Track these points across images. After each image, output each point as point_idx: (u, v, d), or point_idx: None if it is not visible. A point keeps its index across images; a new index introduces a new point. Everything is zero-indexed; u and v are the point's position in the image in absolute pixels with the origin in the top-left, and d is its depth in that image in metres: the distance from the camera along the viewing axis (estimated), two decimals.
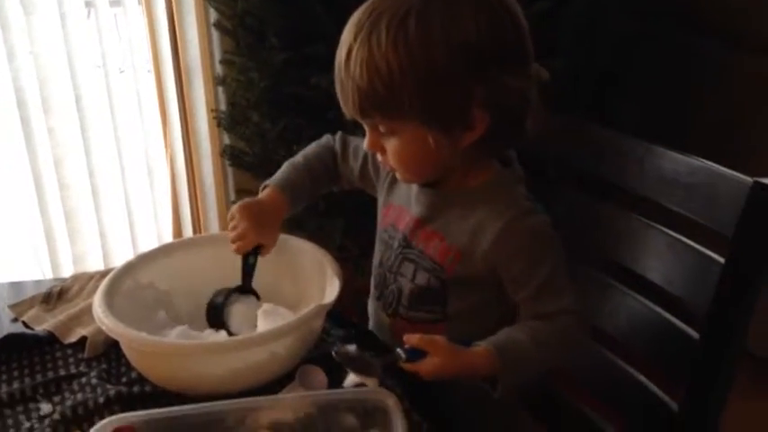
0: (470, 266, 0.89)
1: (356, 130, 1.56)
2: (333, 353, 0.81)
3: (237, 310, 0.94)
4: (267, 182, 1.02)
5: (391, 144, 0.86)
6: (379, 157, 0.91)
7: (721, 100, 1.84)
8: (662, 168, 0.93)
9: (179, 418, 0.75)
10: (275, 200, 1.00)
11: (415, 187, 0.95)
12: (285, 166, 1.04)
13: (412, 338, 0.81)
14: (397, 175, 0.93)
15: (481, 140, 0.85)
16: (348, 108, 0.85)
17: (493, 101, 0.82)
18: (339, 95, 0.86)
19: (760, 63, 1.72)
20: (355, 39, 0.81)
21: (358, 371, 0.81)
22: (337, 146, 1.06)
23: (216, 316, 0.95)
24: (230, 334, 0.93)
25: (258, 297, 0.98)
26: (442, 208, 0.92)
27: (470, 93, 0.81)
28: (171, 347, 0.85)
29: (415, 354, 0.81)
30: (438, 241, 0.92)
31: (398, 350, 0.81)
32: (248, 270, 0.98)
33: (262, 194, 1.01)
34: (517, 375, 0.84)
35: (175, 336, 0.90)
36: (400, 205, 0.98)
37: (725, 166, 0.86)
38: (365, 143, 0.89)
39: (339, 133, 1.08)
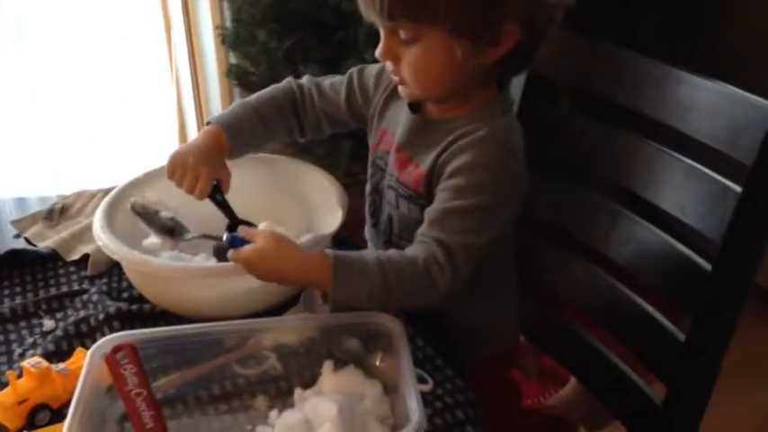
0: (431, 187, 0.86)
1: (366, 50, 1.53)
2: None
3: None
4: (210, 119, 0.97)
5: (411, 52, 0.82)
6: (388, 66, 0.86)
7: (750, 25, 1.76)
8: (681, 93, 0.89)
9: (179, 337, 0.75)
10: (212, 137, 0.94)
11: (403, 113, 0.91)
12: (233, 106, 0.99)
13: (242, 230, 0.81)
14: (402, 91, 0.88)
15: (501, 60, 0.82)
16: (372, 9, 0.80)
17: (527, 15, 0.79)
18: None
19: None
20: None
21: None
22: (305, 93, 0.99)
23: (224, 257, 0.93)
24: None
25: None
26: (424, 135, 0.89)
27: (506, 5, 0.78)
28: (158, 268, 0.83)
29: (238, 242, 0.79)
30: (413, 168, 0.88)
31: (226, 234, 0.81)
32: (223, 208, 0.92)
33: (199, 134, 0.96)
34: (350, 292, 0.78)
35: (166, 258, 0.88)
36: (392, 130, 0.94)
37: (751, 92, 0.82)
38: (378, 51, 0.83)
39: (306, 77, 1.01)
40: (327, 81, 1.00)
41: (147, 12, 2.06)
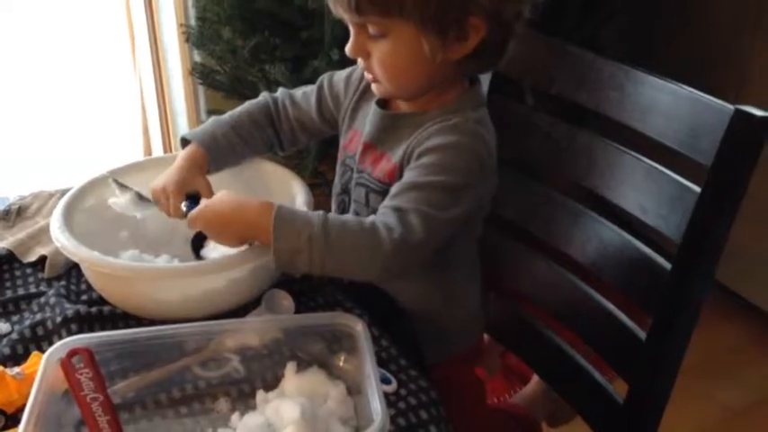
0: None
1: (332, 48, 1.53)
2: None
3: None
4: (185, 134, 0.97)
5: (380, 48, 0.82)
6: (360, 63, 0.86)
7: (708, 27, 1.80)
8: (642, 94, 0.91)
9: (138, 340, 0.73)
10: (188, 154, 0.94)
11: (371, 111, 0.92)
12: (208, 122, 0.99)
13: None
14: (376, 88, 0.88)
15: (469, 56, 0.82)
16: (341, 4, 0.80)
17: (493, 10, 0.80)
18: None
19: None
20: None
21: None
22: (280, 105, 1.00)
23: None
24: None
25: None
26: (393, 130, 0.89)
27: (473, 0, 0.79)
28: (117, 269, 0.82)
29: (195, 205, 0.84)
30: (385, 162, 0.89)
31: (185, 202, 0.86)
32: None
33: (180, 153, 0.95)
34: (291, 242, 0.76)
35: (126, 258, 0.87)
36: (362, 131, 0.94)
37: (711, 95, 0.83)
38: (348, 48, 0.84)
39: (280, 91, 1.02)
40: (299, 91, 1.01)
41: (109, 9, 2.02)
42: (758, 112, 0.79)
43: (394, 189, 0.82)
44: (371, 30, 0.81)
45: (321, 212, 0.79)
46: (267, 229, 0.77)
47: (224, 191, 0.84)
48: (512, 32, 0.85)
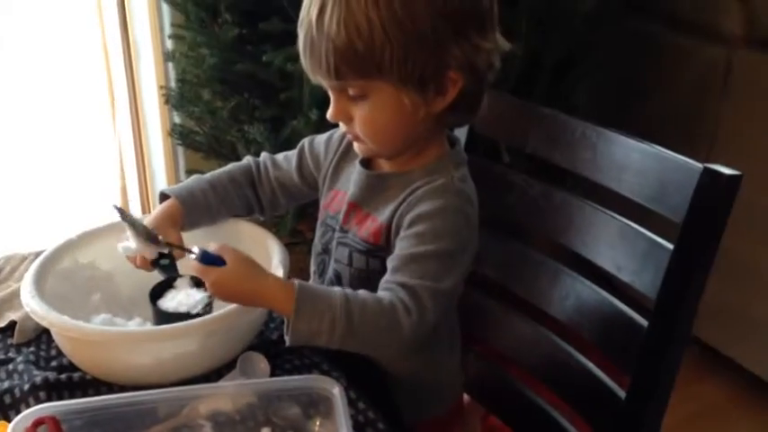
0: (391, 238, 0.87)
1: (311, 109, 1.55)
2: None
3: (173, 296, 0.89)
4: (164, 189, 0.97)
5: (362, 109, 0.83)
6: (342, 127, 0.87)
7: (679, 87, 1.85)
8: (614, 153, 0.92)
9: (107, 408, 0.71)
10: (163, 208, 0.94)
11: (355, 171, 0.92)
12: (190, 179, 1.00)
13: (211, 244, 0.80)
14: (358, 149, 0.89)
15: (448, 109, 0.84)
16: (319, 70, 0.81)
17: (468, 62, 0.81)
18: (307, 57, 0.81)
19: (716, 53, 1.73)
20: None
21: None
22: (261, 167, 1.01)
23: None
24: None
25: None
26: (379, 191, 0.90)
27: (448, 52, 0.80)
28: (86, 333, 0.80)
29: (210, 258, 0.79)
30: (371, 222, 0.89)
31: (196, 248, 0.80)
32: (167, 271, 0.90)
33: (157, 207, 0.96)
34: (313, 324, 0.77)
35: (98, 322, 0.86)
36: (345, 191, 0.95)
37: (682, 154, 0.84)
38: (329, 113, 0.84)
39: (263, 154, 1.03)
40: (281, 155, 1.02)
41: (90, 71, 2.04)
42: (726, 171, 0.81)
43: (395, 262, 0.83)
44: (352, 92, 0.82)
45: (341, 292, 0.79)
46: (287, 309, 0.77)
47: (237, 252, 0.81)
48: (486, 83, 0.87)
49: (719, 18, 1.71)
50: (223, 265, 0.78)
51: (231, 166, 1.02)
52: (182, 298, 0.86)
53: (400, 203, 0.86)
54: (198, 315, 0.84)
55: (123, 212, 0.84)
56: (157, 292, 0.89)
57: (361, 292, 0.80)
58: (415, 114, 0.82)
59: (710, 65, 1.75)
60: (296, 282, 0.79)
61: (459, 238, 0.83)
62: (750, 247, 1.70)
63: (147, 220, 0.93)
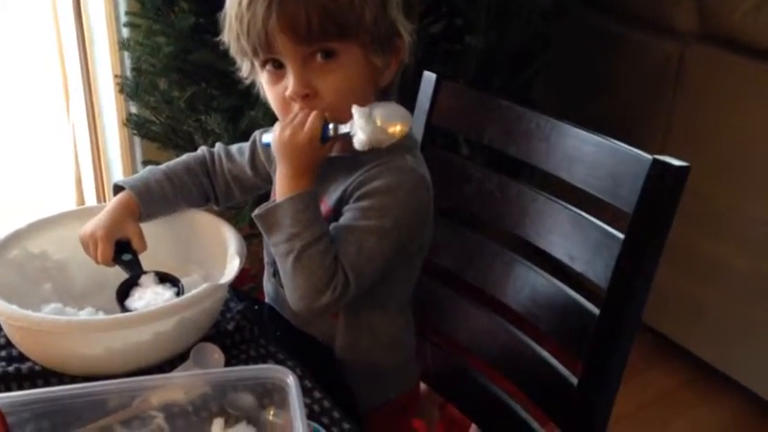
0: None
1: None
2: None
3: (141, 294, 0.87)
4: (118, 181, 0.96)
5: (332, 74, 0.82)
6: (300, 105, 0.84)
7: (633, 81, 1.88)
8: (567, 145, 0.94)
9: (56, 399, 0.69)
10: (119, 200, 0.93)
11: None
12: (144, 170, 0.99)
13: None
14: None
15: (385, 87, 0.88)
16: (292, 36, 0.79)
17: (404, 34, 0.86)
18: (276, 23, 0.79)
19: (669, 48, 1.77)
20: None
21: None
22: (216, 158, 1.01)
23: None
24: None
25: (177, 282, 0.89)
26: (329, 174, 0.90)
27: (397, 21, 0.85)
28: (35, 322, 0.78)
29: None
30: (322, 206, 0.89)
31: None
32: (128, 266, 0.89)
33: (112, 200, 0.94)
34: (286, 217, 0.82)
35: (48, 312, 0.84)
36: None
37: (637, 147, 0.86)
38: (294, 87, 0.82)
39: (217, 145, 1.03)
40: (236, 146, 1.02)
41: (43, 60, 1.99)
42: (675, 162, 0.83)
43: (335, 231, 0.83)
44: (320, 57, 0.81)
45: (326, 227, 0.83)
46: (283, 191, 0.82)
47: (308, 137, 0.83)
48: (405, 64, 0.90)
49: (673, 13, 1.75)
50: None
51: (186, 156, 1.02)
52: (150, 297, 0.84)
53: (349, 185, 0.86)
54: None
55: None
56: (123, 291, 0.86)
57: (335, 245, 0.83)
58: (374, 82, 0.86)
59: (664, 59, 1.79)
60: (310, 185, 0.83)
61: (404, 218, 0.84)
62: (702, 237, 1.75)
63: (104, 213, 0.91)
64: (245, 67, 0.89)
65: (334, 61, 0.81)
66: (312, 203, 0.83)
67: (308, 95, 0.82)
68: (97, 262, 0.89)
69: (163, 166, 0.99)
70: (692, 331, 1.84)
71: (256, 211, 0.84)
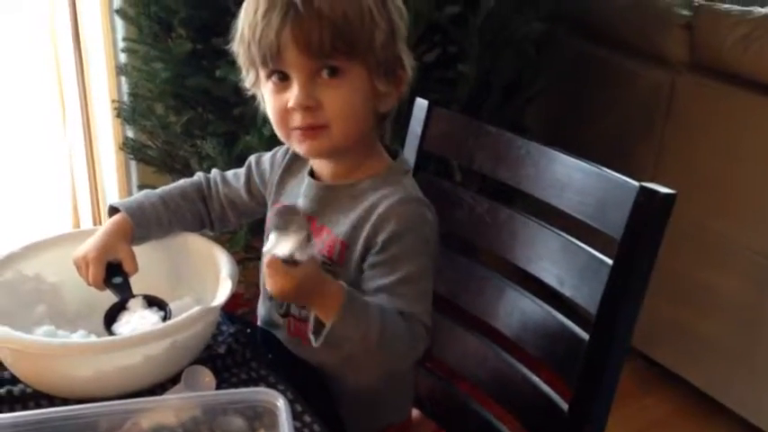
0: (356, 257, 0.88)
1: (264, 125, 1.55)
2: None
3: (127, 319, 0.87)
4: (113, 203, 0.97)
5: (336, 90, 0.83)
6: (297, 121, 0.84)
7: (624, 110, 1.91)
8: (556, 171, 0.95)
9: (47, 421, 0.70)
10: (113, 222, 0.94)
11: (303, 183, 0.94)
12: (140, 193, 1.00)
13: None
14: (310, 146, 0.87)
15: (384, 114, 0.90)
16: (304, 50, 0.80)
17: (407, 65, 0.88)
18: (289, 34, 0.80)
19: (660, 77, 1.80)
20: None
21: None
22: (211, 182, 1.02)
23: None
24: None
25: (164, 306, 0.89)
26: (330, 201, 0.91)
27: (403, 50, 0.87)
28: (27, 345, 0.79)
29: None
30: (326, 235, 0.90)
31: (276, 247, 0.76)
32: (118, 289, 0.90)
33: (106, 222, 0.95)
34: (349, 330, 0.79)
35: (41, 334, 0.84)
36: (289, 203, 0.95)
37: (628, 175, 0.87)
38: (299, 98, 0.82)
39: (213, 171, 1.04)
40: (231, 172, 1.04)
41: (41, 83, 2.01)
42: (662, 190, 0.84)
43: (386, 292, 0.84)
44: (326, 73, 0.83)
45: (376, 307, 0.81)
46: (329, 312, 0.78)
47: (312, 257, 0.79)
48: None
49: (664, 42, 1.77)
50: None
51: (183, 181, 1.03)
52: (136, 321, 0.85)
53: (361, 221, 0.87)
54: None
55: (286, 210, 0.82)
56: (111, 315, 0.87)
57: (392, 313, 0.82)
58: (375, 104, 0.87)
59: (655, 88, 1.81)
60: (344, 288, 0.80)
61: (429, 246, 0.88)
62: (695, 265, 1.76)
63: (97, 234, 0.92)
64: (249, 78, 0.90)
65: (339, 78, 0.83)
66: (353, 298, 0.81)
67: (310, 107, 0.83)
68: (88, 283, 0.90)
69: (159, 190, 1.00)
70: (687, 359, 1.84)
71: (318, 343, 0.80)
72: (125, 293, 0.89)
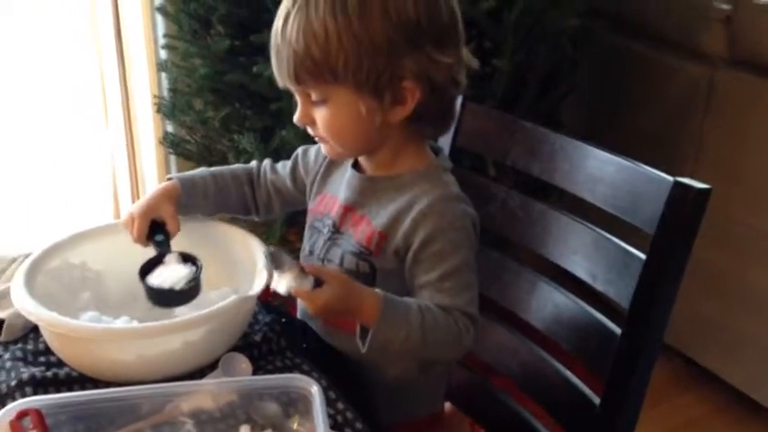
0: (392, 249, 0.90)
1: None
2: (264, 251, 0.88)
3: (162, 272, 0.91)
4: (170, 176, 1.03)
5: (323, 113, 0.87)
6: (310, 131, 0.91)
7: (662, 105, 1.89)
8: (590, 166, 0.95)
9: (91, 403, 0.73)
10: (163, 186, 1.00)
11: (347, 175, 0.96)
12: (194, 170, 1.06)
13: (311, 267, 0.83)
14: (325, 150, 0.94)
15: (412, 119, 0.88)
16: (282, 75, 0.86)
17: (424, 75, 0.85)
18: (274, 63, 0.87)
19: (699, 72, 1.77)
20: (293, 4, 0.83)
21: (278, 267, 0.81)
22: (262, 169, 1.07)
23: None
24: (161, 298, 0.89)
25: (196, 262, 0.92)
26: (371, 193, 0.93)
27: (403, 63, 0.84)
28: (73, 329, 0.82)
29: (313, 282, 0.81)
30: (365, 225, 0.92)
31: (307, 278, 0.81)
32: (159, 246, 0.94)
33: None
34: (390, 334, 0.82)
35: (86, 320, 0.88)
36: (333, 195, 0.98)
37: (666, 172, 0.87)
38: (295, 116, 0.89)
39: (265, 160, 1.08)
40: (281, 162, 1.07)
41: (84, 79, 2.07)
42: (696, 185, 0.84)
43: (429, 289, 0.87)
44: (314, 96, 0.86)
45: (416, 306, 0.84)
46: (369, 319, 0.82)
47: (337, 280, 0.83)
48: (450, 97, 0.91)
49: (702, 37, 1.75)
50: (321, 285, 0.81)
51: (236, 165, 1.08)
52: (168, 274, 0.88)
53: (399, 214, 0.89)
54: (181, 291, 0.87)
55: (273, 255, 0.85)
56: (147, 268, 0.91)
57: (433, 310, 0.84)
58: (371, 120, 0.86)
59: (693, 83, 1.79)
60: (380, 294, 0.82)
61: (471, 240, 0.89)
62: (736, 263, 1.73)
63: (146, 196, 0.98)
64: None
65: (323, 101, 0.86)
66: (391, 302, 0.83)
67: (306, 124, 0.89)
68: (133, 239, 0.94)
69: (212, 168, 1.06)
70: (725, 357, 1.82)
71: (365, 350, 0.83)
72: (164, 249, 0.93)
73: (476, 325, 0.86)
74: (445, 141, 1.13)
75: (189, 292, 0.88)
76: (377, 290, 0.83)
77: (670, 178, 0.85)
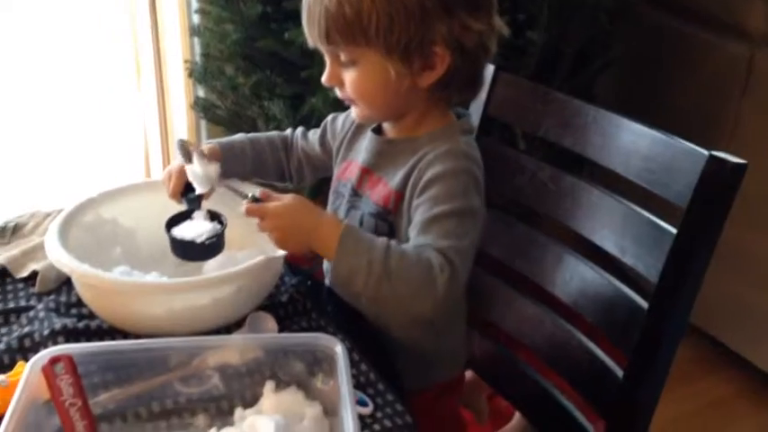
0: (406, 206, 0.90)
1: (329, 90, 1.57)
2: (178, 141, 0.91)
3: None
4: (207, 141, 1.05)
5: (351, 75, 0.87)
6: (338, 92, 0.91)
7: (699, 83, 1.85)
8: (623, 139, 0.94)
9: (122, 353, 0.75)
10: (206, 147, 1.01)
11: (367, 139, 0.97)
12: (234, 135, 1.08)
13: (263, 192, 0.85)
14: (354, 113, 0.94)
15: (439, 84, 0.88)
16: (313, 34, 0.87)
17: (455, 41, 0.85)
18: (305, 21, 0.87)
19: (738, 50, 1.73)
20: None
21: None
22: (294, 136, 1.09)
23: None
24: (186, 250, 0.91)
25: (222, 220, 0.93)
26: (389, 155, 0.94)
27: (435, 28, 0.84)
28: (105, 282, 0.84)
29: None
30: (382, 186, 0.93)
31: (251, 194, 0.84)
32: (190, 203, 0.95)
33: None
34: (352, 261, 0.80)
35: (117, 273, 0.89)
36: (358, 161, 0.99)
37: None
38: (324, 77, 0.90)
39: (299, 128, 1.10)
40: (312, 130, 1.09)
41: (117, 43, 2.08)
42: (732, 159, 0.83)
43: (417, 227, 0.86)
44: (343, 57, 0.87)
45: (383, 239, 0.83)
46: (331, 246, 0.81)
47: (292, 195, 0.85)
48: (480, 64, 0.90)
49: (743, 15, 1.71)
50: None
51: (271, 132, 1.11)
52: (192, 227, 0.90)
53: (411, 170, 0.90)
54: (202, 244, 0.88)
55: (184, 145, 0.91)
56: (175, 220, 0.93)
57: (403, 248, 0.83)
58: (399, 84, 0.86)
59: (732, 62, 1.75)
60: (341, 222, 0.83)
61: (469, 196, 0.87)
62: (766, 244, 1.70)
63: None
64: None
65: (352, 63, 0.86)
66: (354, 229, 0.84)
67: (334, 85, 0.90)
68: (169, 195, 0.96)
69: (249, 134, 1.08)
70: (751, 339, 1.80)
71: (330, 277, 0.86)
72: (194, 206, 0.94)
73: (454, 272, 0.80)
74: (476, 110, 1.13)
75: (210, 247, 0.89)
76: (343, 221, 0.84)
77: (705, 152, 0.84)
